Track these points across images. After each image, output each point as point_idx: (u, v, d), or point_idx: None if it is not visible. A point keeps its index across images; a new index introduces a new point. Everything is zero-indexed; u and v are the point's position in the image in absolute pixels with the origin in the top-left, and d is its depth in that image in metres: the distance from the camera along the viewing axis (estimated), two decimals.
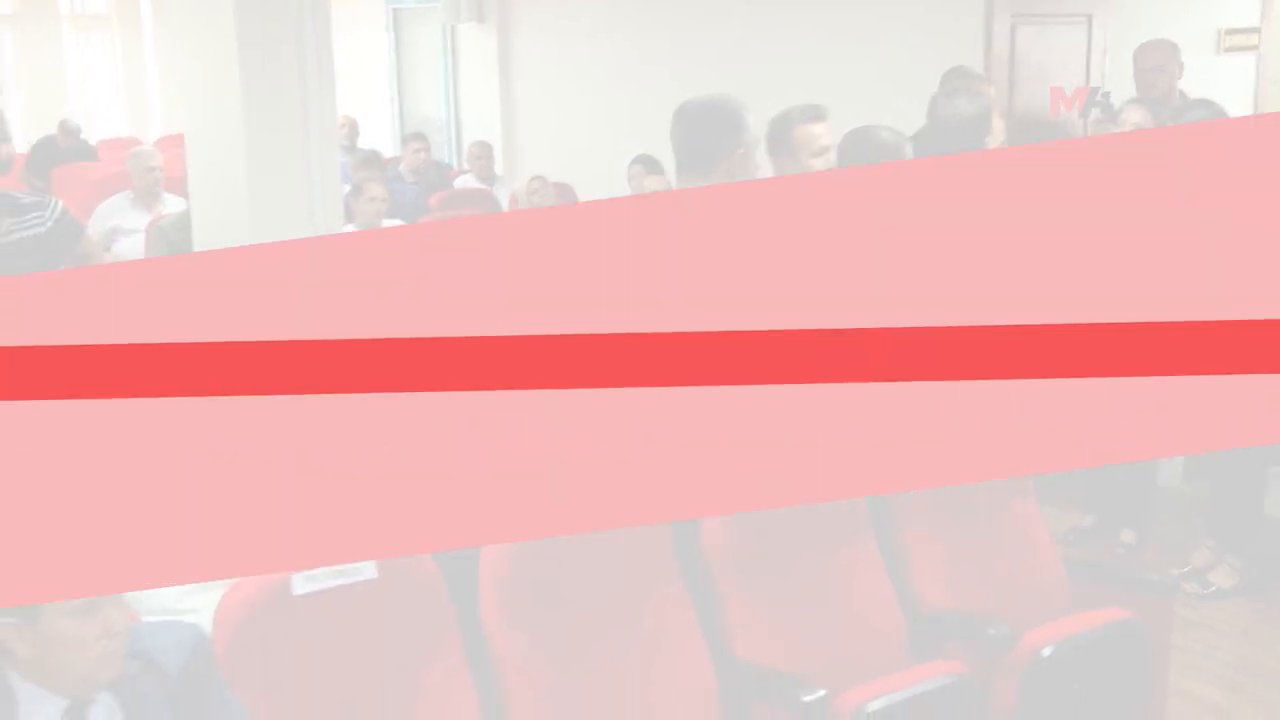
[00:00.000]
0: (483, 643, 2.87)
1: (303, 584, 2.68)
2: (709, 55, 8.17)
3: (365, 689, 2.72)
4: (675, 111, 3.42)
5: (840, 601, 3.32)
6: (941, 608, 3.42)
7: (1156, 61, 5.65)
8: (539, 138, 9.88)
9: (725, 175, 3.31)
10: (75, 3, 14.02)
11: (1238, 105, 6.11)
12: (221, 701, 2.41)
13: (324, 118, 4.50)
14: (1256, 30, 7.00)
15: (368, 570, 2.75)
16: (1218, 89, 6.04)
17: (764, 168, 3.81)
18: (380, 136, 10.81)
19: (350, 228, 6.07)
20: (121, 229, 7.85)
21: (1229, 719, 4.12)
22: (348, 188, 6.50)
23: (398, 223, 7.00)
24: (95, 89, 14.27)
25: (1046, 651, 3.17)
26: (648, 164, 7.97)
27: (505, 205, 8.69)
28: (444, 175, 9.12)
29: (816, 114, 3.83)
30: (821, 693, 2.89)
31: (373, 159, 8.15)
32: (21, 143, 11.02)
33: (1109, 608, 3.41)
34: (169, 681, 2.34)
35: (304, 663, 2.66)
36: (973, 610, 3.43)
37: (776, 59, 7.42)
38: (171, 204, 8.08)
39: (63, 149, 10.19)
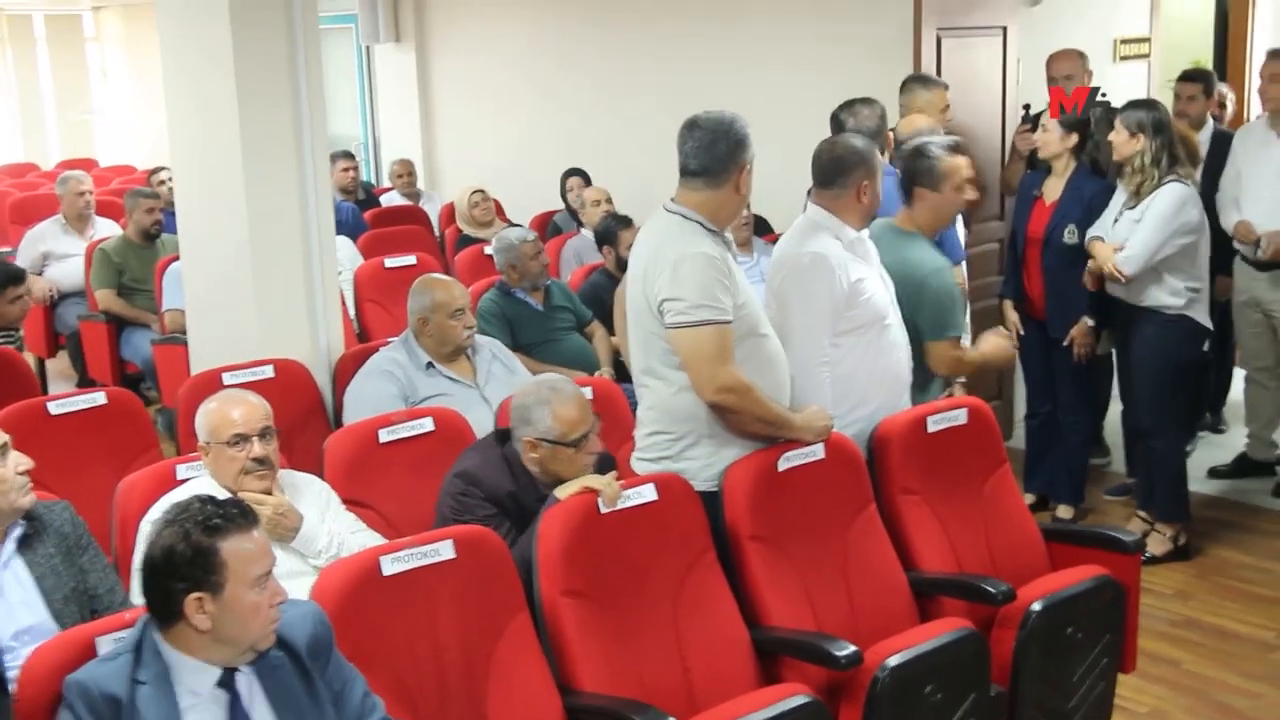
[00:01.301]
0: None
1: (391, 565, 2.90)
2: (633, 73, 8.46)
3: (450, 647, 2.96)
4: (687, 124, 3.63)
5: (854, 571, 3.62)
6: (939, 572, 3.75)
7: (1066, 70, 6.08)
8: (458, 155, 10.07)
9: (733, 188, 3.58)
10: None
11: None
12: (339, 667, 2.62)
13: (316, 141, 4.69)
14: (1147, 39, 7.51)
15: (446, 551, 2.98)
16: (1115, 93, 6.49)
17: None
18: None
19: None
20: (53, 254, 7.87)
21: (1178, 668, 4.52)
22: None
23: (342, 239, 7.14)
24: None
25: (1038, 606, 3.50)
26: (580, 177, 8.26)
27: (435, 220, 8.89)
28: (370, 193, 9.26)
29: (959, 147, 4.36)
30: (853, 649, 3.18)
31: None
32: None
33: (1082, 565, 3.76)
34: (297, 653, 2.55)
35: (397, 629, 2.89)
36: (967, 573, 3.76)
37: (706, 74, 7.71)
38: (102, 228, 8.14)
39: None
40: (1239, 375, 6.77)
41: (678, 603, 3.32)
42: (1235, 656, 4.60)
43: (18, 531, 3.14)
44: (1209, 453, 6.47)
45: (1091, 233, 5.33)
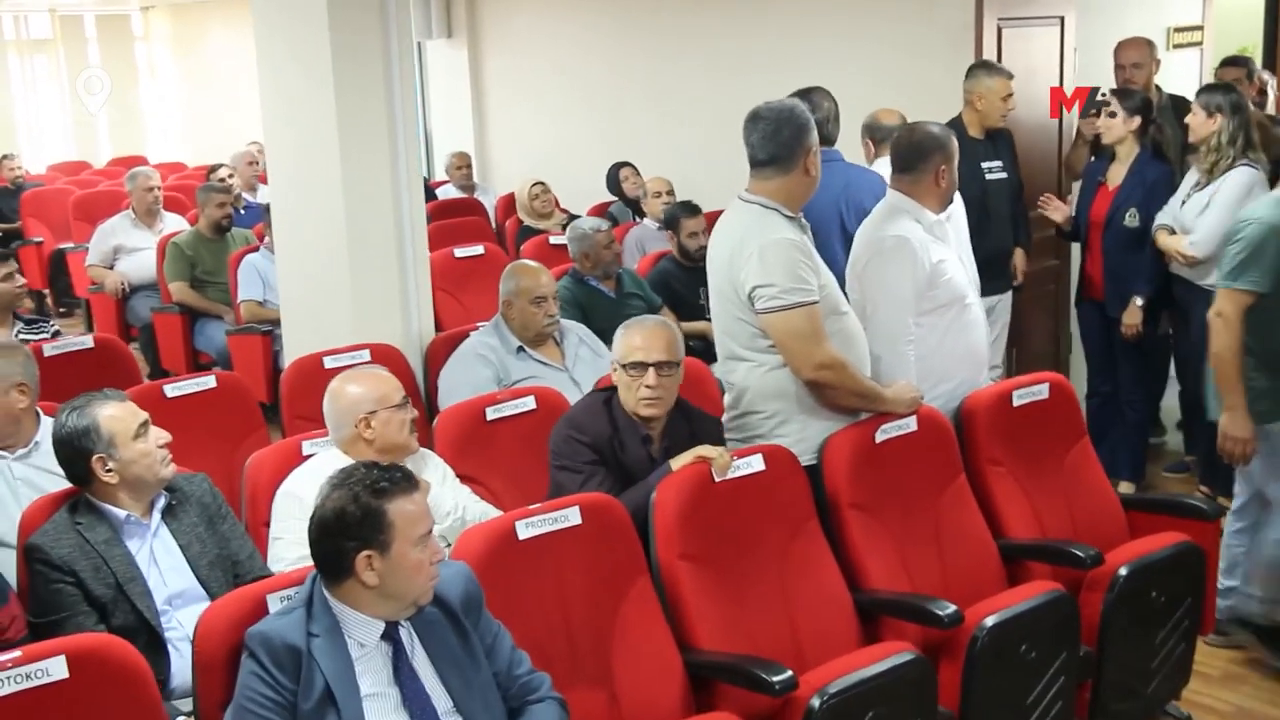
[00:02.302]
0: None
1: (525, 529, 3.09)
2: (680, 73, 8.60)
3: (579, 606, 3.15)
4: (750, 117, 3.81)
5: (946, 537, 3.79)
6: (1026, 539, 3.91)
7: (1134, 58, 6.20)
8: (509, 149, 10.24)
9: (803, 171, 3.75)
10: (20, 27, 14.05)
11: (1186, 94, 6.66)
12: (488, 623, 2.80)
13: (408, 133, 4.87)
14: (1200, 28, 7.64)
15: (574, 517, 3.16)
16: (1168, 80, 6.63)
17: None
18: None
19: None
20: (124, 247, 8.07)
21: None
22: None
23: None
24: (41, 112, 14.32)
25: (1124, 570, 3.65)
26: (631, 168, 8.45)
27: (492, 212, 9.08)
28: (427, 185, 9.44)
29: None
30: (954, 608, 3.35)
31: None
32: None
33: (1163, 533, 3.91)
34: (452, 609, 2.73)
35: (530, 590, 3.07)
36: (1053, 539, 3.92)
37: (758, 74, 7.84)
38: (171, 222, 8.35)
39: None
40: None
41: (784, 566, 3.49)
42: None
43: (162, 502, 3.34)
44: None
45: (1159, 219, 5.46)
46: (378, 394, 3.55)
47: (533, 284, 4.83)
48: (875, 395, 3.77)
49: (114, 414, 3.35)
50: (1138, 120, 5.58)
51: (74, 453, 3.30)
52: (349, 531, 2.58)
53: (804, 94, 5.06)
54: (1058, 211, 5.87)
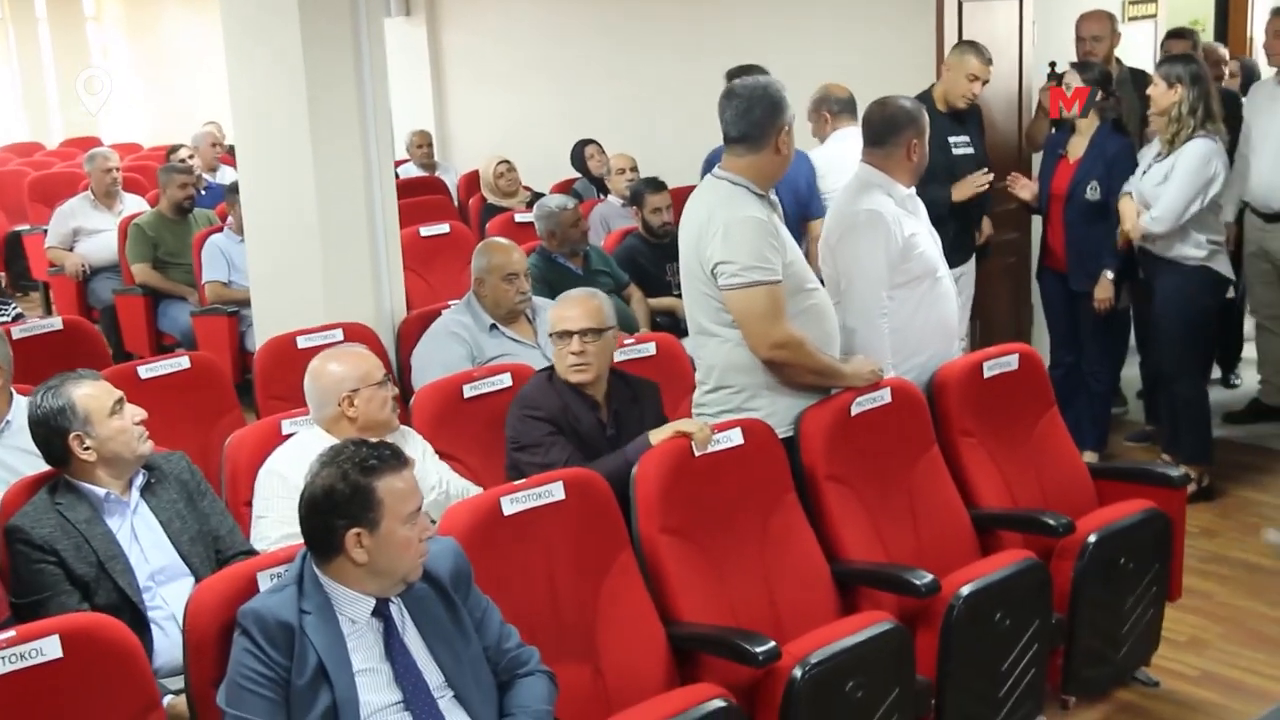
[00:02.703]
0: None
1: (509, 505, 3.11)
2: (642, 48, 8.60)
3: (564, 581, 3.19)
4: (724, 93, 3.84)
5: (920, 508, 3.84)
6: (1002, 508, 3.97)
7: (1095, 30, 6.26)
8: (469, 128, 10.22)
9: (774, 150, 3.78)
10: None
11: (1142, 66, 6.73)
12: (477, 597, 2.83)
13: (379, 112, 4.86)
14: (1155, 0, 7.74)
15: (558, 492, 3.19)
16: (1125, 53, 6.69)
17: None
18: None
19: None
20: (84, 229, 8.00)
21: (1211, 599, 4.75)
22: None
23: None
24: None
25: (1093, 537, 3.72)
26: (596, 145, 8.45)
27: (454, 190, 9.06)
28: None
29: None
30: (931, 577, 3.40)
31: None
32: None
33: (1130, 500, 3.98)
34: (442, 584, 2.75)
35: (515, 565, 3.10)
36: (1024, 508, 3.99)
37: (721, 54, 7.86)
38: (131, 203, 8.28)
39: None
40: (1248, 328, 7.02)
41: (763, 539, 3.54)
42: (1263, 588, 4.83)
43: (140, 480, 3.36)
44: (1223, 399, 6.70)
45: (1124, 189, 5.53)
46: (359, 372, 3.57)
47: (505, 261, 4.84)
48: (833, 371, 3.81)
49: (89, 392, 3.36)
50: (1098, 94, 5.63)
51: (50, 432, 3.31)
52: (338, 509, 2.59)
53: (741, 72, 5.10)
54: (1025, 189, 5.92)
